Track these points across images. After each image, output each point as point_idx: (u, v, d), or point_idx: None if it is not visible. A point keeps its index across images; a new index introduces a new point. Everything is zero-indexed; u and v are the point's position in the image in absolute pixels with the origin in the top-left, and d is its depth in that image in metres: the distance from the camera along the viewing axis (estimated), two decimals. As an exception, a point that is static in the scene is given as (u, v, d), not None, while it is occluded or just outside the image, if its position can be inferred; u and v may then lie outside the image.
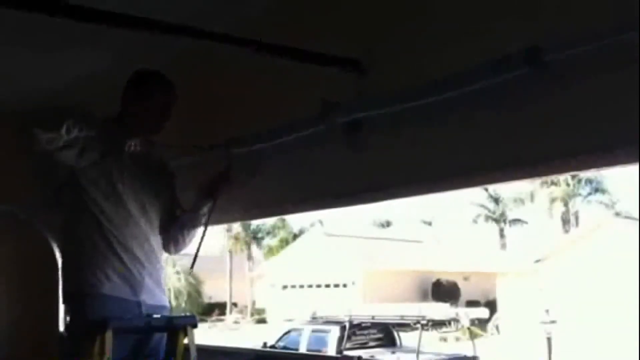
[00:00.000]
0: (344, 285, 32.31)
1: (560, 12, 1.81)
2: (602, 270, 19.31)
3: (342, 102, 2.32)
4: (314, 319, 15.06)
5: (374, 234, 41.23)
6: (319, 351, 12.86)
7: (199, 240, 2.82)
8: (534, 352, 18.28)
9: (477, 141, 2.07)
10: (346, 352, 12.10)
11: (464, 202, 45.71)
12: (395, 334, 14.32)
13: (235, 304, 38.20)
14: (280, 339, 14.74)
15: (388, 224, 52.17)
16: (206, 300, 36.47)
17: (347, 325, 13.33)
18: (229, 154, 2.74)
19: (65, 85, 3.13)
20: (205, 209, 2.77)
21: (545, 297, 20.08)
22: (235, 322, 34.72)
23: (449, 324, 13.42)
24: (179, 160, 2.93)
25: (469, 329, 14.65)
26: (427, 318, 12.79)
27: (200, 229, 2.83)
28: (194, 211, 2.80)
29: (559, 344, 17.99)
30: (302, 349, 13.40)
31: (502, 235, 44.42)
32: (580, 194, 38.79)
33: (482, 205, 43.89)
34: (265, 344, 14.32)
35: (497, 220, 44.21)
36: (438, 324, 13.40)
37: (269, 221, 40.99)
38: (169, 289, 27.64)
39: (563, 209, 37.52)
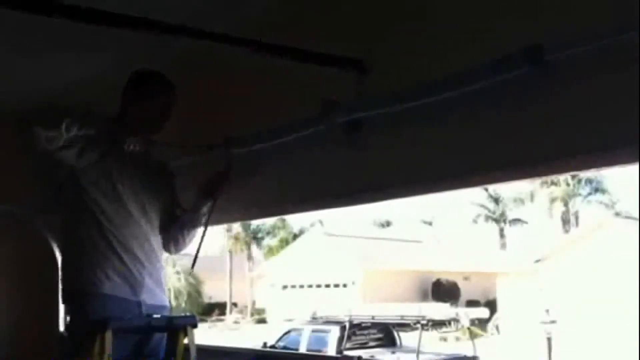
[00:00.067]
0: (344, 285, 32.31)
1: (560, 12, 1.81)
2: (602, 270, 19.31)
3: (342, 102, 2.32)
4: (314, 319, 15.05)
5: (374, 234, 41.25)
6: (319, 351, 12.85)
7: (199, 240, 2.82)
8: (534, 352, 18.28)
9: (477, 141, 2.07)
10: (346, 352, 12.09)
11: (464, 202, 45.79)
12: (395, 334, 14.32)
13: (235, 304, 38.21)
14: (280, 339, 14.74)
15: (388, 224, 52.17)
16: (206, 300, 36.49)
17: (347, 325, 13.33)
18: (229, 153, 2.74)
19: (65, 85, 3.13)
20: (205, 209, 2.77)
21: (545, 297, 20.08)
22: (235, 322, 34.72)
23: (449, 324, 13.42)
24: (179, 160, 2.93)
25: (469, 329, 14.65)
26: (427, 318, 12.80)
27: (201, 229, 2.83)
28: (194, 211, 2.80)
29: (559, 344, 17.99)
30: (302, 349, 13.40)
31: (502, 235, 44.45)
32: (580, 194, 38.84)
33: (482, 205, 43.92)
34: (265, 344, 14.32)
35: (497, 220, 44.23)
36: (438, 324, 13.40)
37: (269, 221, 41.06)
38: (169, 289, 27.64)
39: (563, 209, 37.54)
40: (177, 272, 32.01)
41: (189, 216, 2.82)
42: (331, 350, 12.89)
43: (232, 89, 2.85)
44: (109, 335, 2.40)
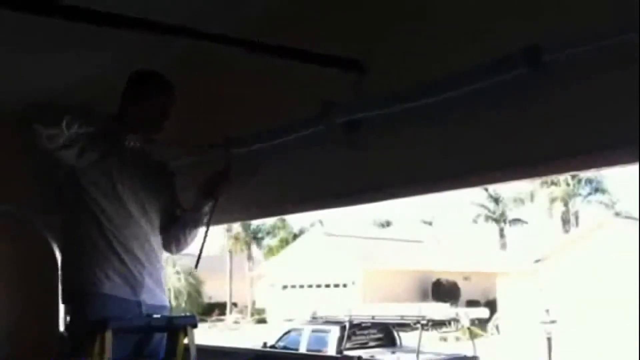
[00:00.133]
0: (344, 285, 32.31)
1: (560, 12, 1.81)
2: (602, 270, 19.31)
3: (342, 102, 2.32)
4: (314, 319, 15.05)
5: (374, 234, 41.24)
6: (319, 351, 12.85)
7: (202, 240, 2.81)
8: (534, 352, 18.28)
9: (477, 141, 2.07)
10: (346, 352, 12.09)
11: (464, 202, 45.76)
12: (395, 334, 14.32)
13: (235, 304, 38.21)
14: (280, 339, 14.74)
15: (388, 224, 52.15)
16: (206, 300, 36.49)
17: (347, 325, 13.33)
18: (229, 153, 2.74)
19: (65, 85, 3.13)
20: (206, 209, 2.77)
21: (545, 297, 20.08)
22: (235, 322, 34.72)
23: (449, 324, 13.43)
24: (179, 160, 2.93)
25: (469, 329, 14.65)
26: (427, 318, 12.80)
27: (202, 229, 2.83)
28: (195, 211, 2.79)
29: (559, 344, 17.99)
30: (302, 349, 13.39)
31: (502, 235, 44.42)
32: (580, 194, 38.81)
33: (482, 205, 43.90)
34: (265, 344, 14.31)
35: (497, 220, 44.21)
36: (438, 324, 13.41)
37: (269, 221, 41.03)
38: (169, 289, 27.65)
39: (563, 209, 37.52)
40: (177, 272, 32.02)
41: (191, 216, 2.81)
42: (331, 350, 12.89)
43: (232, 89, 2.85)
44: (109, 335, 2.40)
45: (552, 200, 37.31)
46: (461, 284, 32.92)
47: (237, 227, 37.49)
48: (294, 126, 2.49)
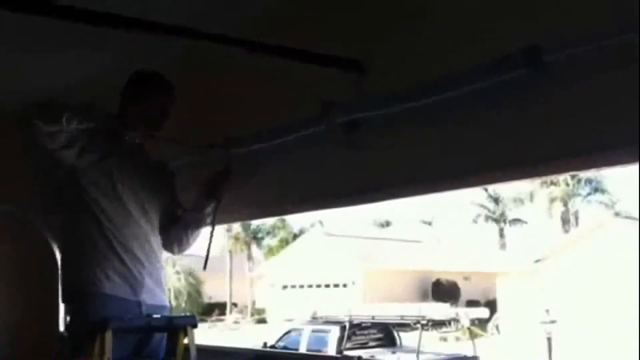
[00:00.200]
0: (344, 285, 32.31)
1: (560, 12, 1.81)
2: (602, 270, 19.31)
3: (342, 102, 2.32)
4: (314, 319, 15.05)
5: (374, 234, 41.24)
6: (319, 351, 12.84)
7: (208, 241, 2.80)
8: (534, 352, 18.28)
9: (477, 141, 2.07)
10: (346, 352, 12.09)
11: (464, 202, 45.78)
12: (395, 334, 14.31)
13: (235, 304, 38.21)
14: (280, 339, 14.74)
15: (388, 224, 52.15)
16: (206, 300, 36.50)
17: (347, 325, 13.33)
18: (229, 153, 2.74)
19: (65, 85, 3.13)
20: (209, 209, 2.77)
21: (545, 297, 20.08)
22: (235, 322, 34.72)
23: (449, 324, 13.43)
24: (179, 160, 2.93)
25: (469, 329, 14.64)
26: (427, 318, 12.80)
27: (206, 229, 2.83)
28: (198, 211, 2.79)
29: (559, 344, 17.99)
30: (302, 349, 13.39)
31: (502, 235, 44.43)
32: (580, 194, 38.82)
33: (482, 205, 43.91)
34: (265, 344, 14.31)
35: (497, 220, 44.21)
36: (438, 324, 13.41)
37: (269, 221, 41.03)
38: (169, 289, 27.63)
39: (563, 209, 37.52)
40: (177, 272, 32.03)
41: (193, 216, 2.81)
42: (331, 350, 12.89)
43: (232, 89, 2.85)
44: (109, 335, 2.40)
45: (552, 200, 37.31)
46: (461, 284, 32.92)
47: (237, 227, 37.49)
48: (294, 126, 2.49)
